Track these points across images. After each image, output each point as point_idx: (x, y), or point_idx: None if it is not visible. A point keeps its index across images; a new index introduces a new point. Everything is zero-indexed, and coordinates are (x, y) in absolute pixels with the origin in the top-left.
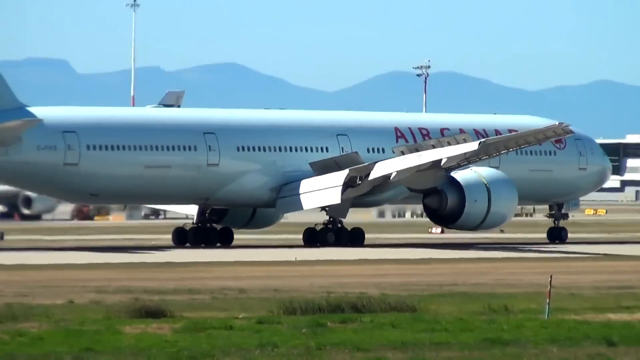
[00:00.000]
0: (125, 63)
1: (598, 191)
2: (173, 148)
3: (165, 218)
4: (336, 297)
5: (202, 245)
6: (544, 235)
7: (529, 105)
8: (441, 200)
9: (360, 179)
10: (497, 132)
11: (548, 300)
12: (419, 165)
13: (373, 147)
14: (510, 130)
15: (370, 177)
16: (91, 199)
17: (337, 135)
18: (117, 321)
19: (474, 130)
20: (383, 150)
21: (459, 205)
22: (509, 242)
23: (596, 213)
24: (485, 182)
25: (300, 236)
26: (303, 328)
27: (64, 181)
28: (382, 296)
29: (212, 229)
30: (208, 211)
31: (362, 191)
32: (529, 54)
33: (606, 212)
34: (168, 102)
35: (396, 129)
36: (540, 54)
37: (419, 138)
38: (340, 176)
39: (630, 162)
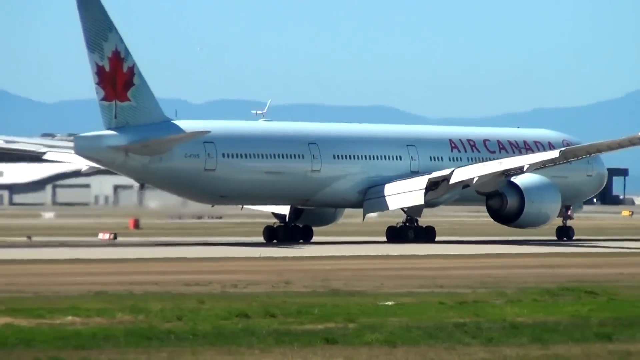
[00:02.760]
0: None
1: None
2: (285, 156)
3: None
4: None
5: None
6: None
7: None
8: (502, 201)
9: (437, 184)
10: (525, 143)
11: None
12: (495, 172)
13: (433, 156)
14: (535, 142)
15: (451, 182)
16: (221, 199)
17: (407, 145)
18: None
19: (508, 141)
20: (441, 159)
21: (519, 206)
22: None
23: None
24: (538, 186)
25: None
26: None
27: (203, 185)
28: None
29: (297, 227)
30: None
31: (440, 194)
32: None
33: None
34: None
35: (450, 140)
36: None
37: (468, 148)
38: (422, 181)
39: None
